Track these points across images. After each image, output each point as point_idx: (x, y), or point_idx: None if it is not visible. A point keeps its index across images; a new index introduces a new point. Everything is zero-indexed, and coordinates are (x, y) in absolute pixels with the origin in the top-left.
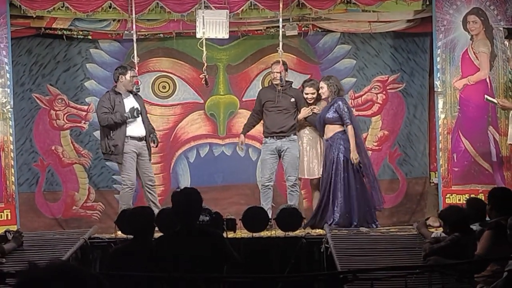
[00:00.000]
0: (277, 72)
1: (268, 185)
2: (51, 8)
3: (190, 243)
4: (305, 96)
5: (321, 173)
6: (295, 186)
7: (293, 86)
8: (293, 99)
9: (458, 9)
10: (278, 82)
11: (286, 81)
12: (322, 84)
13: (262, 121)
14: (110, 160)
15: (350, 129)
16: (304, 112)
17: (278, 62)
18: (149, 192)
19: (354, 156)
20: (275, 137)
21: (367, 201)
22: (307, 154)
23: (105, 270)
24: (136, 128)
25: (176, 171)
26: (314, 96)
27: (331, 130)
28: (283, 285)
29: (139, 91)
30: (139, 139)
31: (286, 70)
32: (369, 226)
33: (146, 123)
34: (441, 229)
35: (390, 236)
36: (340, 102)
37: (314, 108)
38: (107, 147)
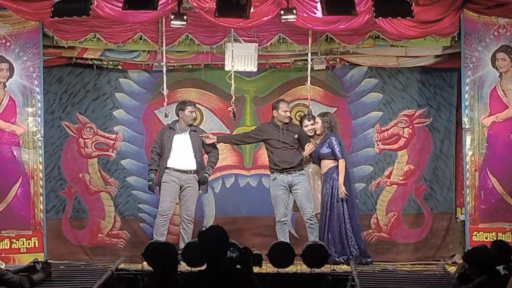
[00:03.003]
0: (286, 111)
1: (283, 221)
2: (82, 39)
3: (217, 283)
4: (305, 129)
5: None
6: (312, 218)
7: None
8: (296, 135)
9: (487, 46)
10: (287, 121)
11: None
12: (317, 119)
13: (267, 157)
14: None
15: (341, 163)
16: (308, 148)
17: (282, 101)
18: (183, 226)
19: (341, 190)
20: (285, 173)
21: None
22: (314, 188)
23: None
24: (180, 161)
25: (201, 201)
26: (314, 127)
27: (326, 165)
28: None
29: (167, 117)
30: (183, 171)
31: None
32: (362, 260)
33: (199, 157)
34: None
35: (417, 275)
36: (332, 138)
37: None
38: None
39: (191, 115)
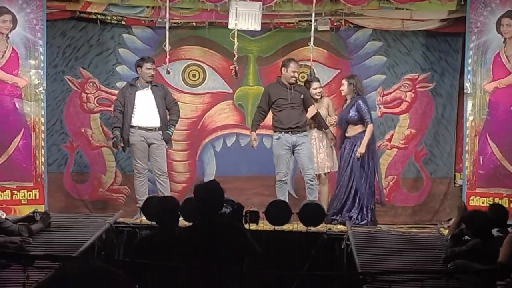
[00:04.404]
0: (296, 72)
1: (285, 180)
2: None
3: (210, 236)
4: (313, 91)
5: (332, 169)
6: (313, 179)
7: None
8: (302, 96)
9: (492, 11)
10: (293, 81)
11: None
12: (343, 81)
13: (272, 116)
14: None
15: (369, 127)
16: (311, 110)
17: (294, 60)
18: (158, 181)
19: (361, 150)
20: (290, 132)
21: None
22: (316, 150)
23: (131, 258)
24: (143, 118)
25: (202, 159)
26: (322, 90)
27: (354, 129)
28: (301, 281)
29: (169, 74)
30: (149, 129)
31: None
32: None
33: (162, 113)
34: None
35: (412, 237)
36: (360, 101)
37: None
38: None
39: (148, 72)
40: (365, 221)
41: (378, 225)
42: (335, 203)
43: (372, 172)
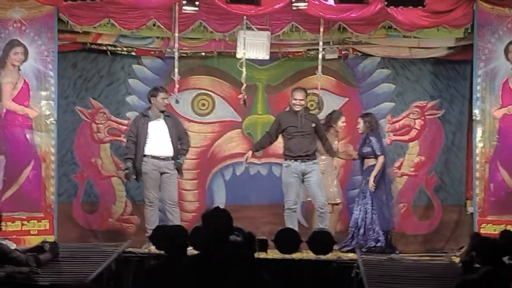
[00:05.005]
0: (300, 100)
1: (293, 208)
2: (97, 24)
3: (219, 265)
4: (293, 102)
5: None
6: (324, 207)
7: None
8: (313, 124)
9: (500, 38)
10: (299, 109)
11: (305, 108)
12: (359, 120)
13: (283, 144)
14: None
15: (380, 158)
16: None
17: (299, 89)
18: (168, 211)
19: (370, 182)
20: (299, 161)
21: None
22: (325, 180)
23: (139, 286)
24: (156, 148)
25: (212, 188)
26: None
27: (367, 163)
28: None
29: (178, 103)
30: (162, 158)
31: (306, 96)
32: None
33: (175, 143)
34: None
35: (422, 264)
36: (371, 137)
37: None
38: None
39: (163, 101)
40: (382, 247)
41: (393, 253)
42: (352, 230)
43: (389, 199)
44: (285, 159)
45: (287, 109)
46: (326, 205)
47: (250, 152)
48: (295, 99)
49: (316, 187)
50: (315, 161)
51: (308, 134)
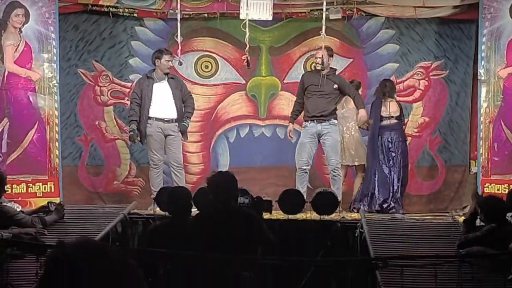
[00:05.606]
0: (318, 58)
1: (305, 169)
2: None
3: (226, 223)
4: (316, 60)
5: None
6: (337, 170)
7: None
8: (336, 85)
9: None
10: (319, 67)
11: (330, 68)
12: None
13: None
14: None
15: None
16: (362, 115)
17: (320, 47)
18: (174, 173)
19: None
20: (315, 121)
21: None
22: (345, 141)
23: (143, 246)
24: (161, 110)
25: (216, 150)
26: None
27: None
28: (315, 268)
29: (181, 65)
30: (166, 121)
31: (331, 55)
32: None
33: (179, 105)
34: None
35: (425, 224)
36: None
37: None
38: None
39: (167, 64)
40: (394, 209)
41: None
42: (364, 190)
43: (404, 161)
44: (305, 120)
45: (313, 68)
46: (338, 168)
47: (291, 125)
48: (316, 57)
49: (330, 150)
50: (331, 122)
51: (327, 94)
